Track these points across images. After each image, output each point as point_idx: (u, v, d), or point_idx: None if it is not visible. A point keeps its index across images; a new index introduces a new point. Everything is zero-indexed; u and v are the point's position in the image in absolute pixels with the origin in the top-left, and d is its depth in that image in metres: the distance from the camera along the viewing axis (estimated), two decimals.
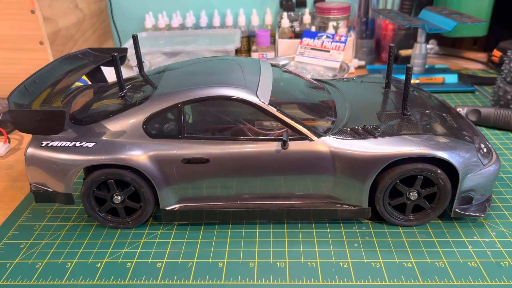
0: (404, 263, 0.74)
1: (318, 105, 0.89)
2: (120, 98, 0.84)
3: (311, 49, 1.61)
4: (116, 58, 0.82)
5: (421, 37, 1.48)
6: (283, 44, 1.69)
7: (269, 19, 1.80)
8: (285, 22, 1.70)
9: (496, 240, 0.79)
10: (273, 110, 0.79)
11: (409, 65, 0.81)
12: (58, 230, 0.86)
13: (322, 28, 1.71)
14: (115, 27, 1.88)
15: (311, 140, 0.79)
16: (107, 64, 1.08)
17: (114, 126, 0.81)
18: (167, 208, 0.83)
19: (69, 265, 0.77)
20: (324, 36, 1.61)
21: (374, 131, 0.80)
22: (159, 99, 0.81)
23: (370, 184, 0.78)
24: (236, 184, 0.81)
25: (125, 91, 0.84)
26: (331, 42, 1.59)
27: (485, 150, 0.82)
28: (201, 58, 0.99)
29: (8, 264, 0.77)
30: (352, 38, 1.66)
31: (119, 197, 0.83)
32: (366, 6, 1.68)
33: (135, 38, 0.95)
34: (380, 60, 1.76)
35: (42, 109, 0.76)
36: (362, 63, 1.70)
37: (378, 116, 0.85)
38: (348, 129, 0.81)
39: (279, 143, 0.78)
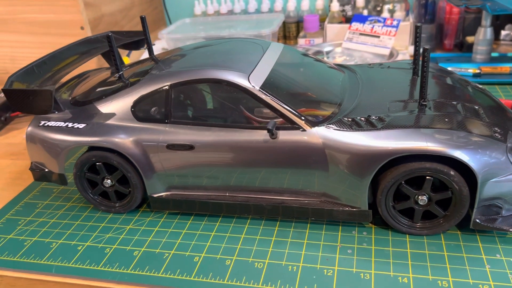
0: (400, 278, 0.63)
1: (323, 92, 0.79)
2: (116, 80, 0.82)
3: (360, 34, 1.48)
4: (111, 38, 0.80)
5: (485, 21, 1.28)
6: (332, 29, 1.58)
7: (320, 3, 1.69)
8: (335, 6, 1.59)
9: None
10: (262, 95, 0.72)
11: (426, 47, 0.69)
12: (57, 210, 0.86)
13: (376, 12, 1.57)
14: (167, 14, 1.89)
15: (303, 130, 0.70)
16: (126, 46, 1.08)
17: (106, 108, 0.80)
18: (154, 195, 0.79)
19: (53, 245, 0.77)
20: (375, 20, 1.47)
21: (378, 122, 0.69)
22: (148, 81, 0.78)
23: (368, 183, 0.68)
24: (223, 174, 0.75)
25: (121, 72, 0.82)
26: (382, 26, 1.44)
27: None
28: (213, 40, 0.94)
29: (1, 239, 0.80)
30: (410, 23, 1.50)
31: (109, 180, 0.81)
32: None
33: (142, 20, 0.92)
34: (443, 47, 1.57)
35: (30, 88, 0.76)
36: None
37: (389, 105, 0.74)
38: (349, 119, 0.71)
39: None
